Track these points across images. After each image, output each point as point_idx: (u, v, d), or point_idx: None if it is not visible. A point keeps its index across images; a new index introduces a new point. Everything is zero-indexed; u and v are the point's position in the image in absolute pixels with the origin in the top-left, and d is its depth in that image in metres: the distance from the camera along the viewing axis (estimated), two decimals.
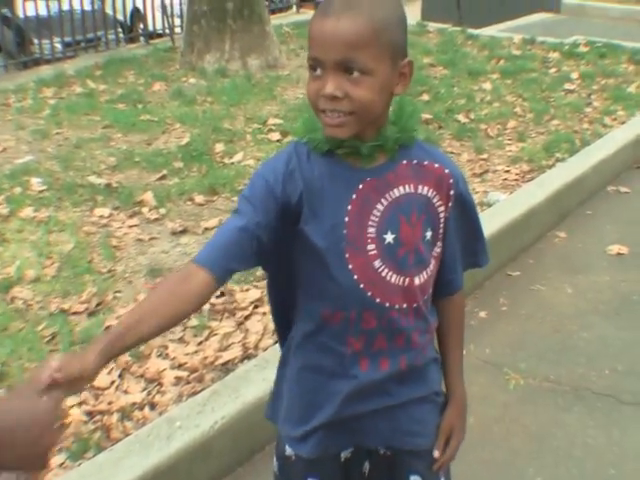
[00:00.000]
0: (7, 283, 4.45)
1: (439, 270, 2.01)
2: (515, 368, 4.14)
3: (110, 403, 3.49)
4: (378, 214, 1.86)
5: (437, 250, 1.98)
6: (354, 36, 1.68)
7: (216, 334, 3.98)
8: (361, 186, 1.85)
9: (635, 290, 4.95)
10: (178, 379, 3.66)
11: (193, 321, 4.07)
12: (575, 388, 4.01)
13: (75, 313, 4.19)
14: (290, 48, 10.49)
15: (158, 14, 11.65)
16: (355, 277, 1.87)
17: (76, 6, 10.91)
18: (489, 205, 5.46)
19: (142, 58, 10.10)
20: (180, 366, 3.75)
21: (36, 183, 5.85)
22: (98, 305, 4.26)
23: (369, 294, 1.89)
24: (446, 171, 1.93)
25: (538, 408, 3.87)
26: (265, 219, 1.79)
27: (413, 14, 13.51)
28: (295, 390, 2.08)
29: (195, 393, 3.53)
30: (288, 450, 2.12)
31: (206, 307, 4.18)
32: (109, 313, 4.18)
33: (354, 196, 1.85)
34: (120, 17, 12.07)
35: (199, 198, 5.64)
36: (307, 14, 13.50)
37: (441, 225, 1.95)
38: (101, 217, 5.34)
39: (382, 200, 1.86)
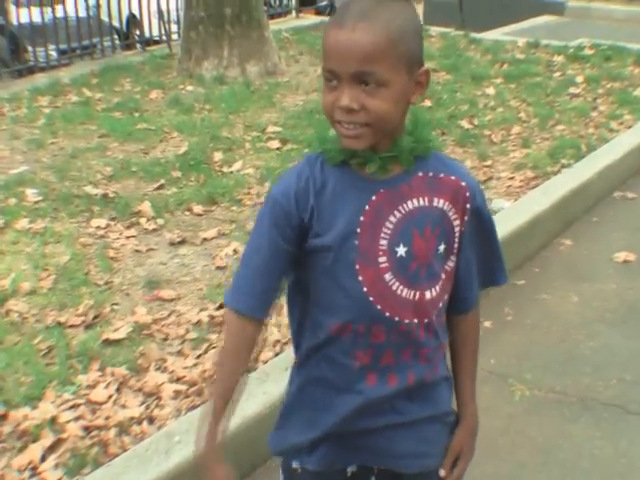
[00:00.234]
0: (2, 296, 4.40)
1: (454, 286, 1.99)
2: (520, 379, 4.09)
3: (108, 418, 3.45)
4: (391, 226, 1.84)
5: (450, 264, 1.94)
6: (370, 47, 1.68)
7: (215, 347, 3.93)
8: (374, 197, 1.84)
9: None
10: (177, 393, 3.62)
11: (192, 334, 4.04)
12: (582, 398, 3.96)
13: (72, 326, 4.15)
14: (289, 54, 10.44)
15: (155, 20, 11.61)
16: (365, 289, 1.85)
17: (71, 13, 10.83)
18: (493, 213, 5.40)
19: (138, 65, 10.06)
20: (179, 380, 3.71)
21: (31, 194, 5.81)
22: (95, 318, 4.22)
23: (378, 307, 1.86)
24: (463, 184, 1.91)
25: (544, 419, 3.82)
26: (284, 241, 1.85)
27: None
28: (301, 403, 2.06)
29: (194, 407, 3.50)
30: (294, 463, 2.09)
31: (205, 319, 4.15)
32: (106, 326, 4.14)
33: (367, 207, 1.84)
34: (116, 23, 12.03)
35: (197, 208, 5.61)
36: (307, 19, 13.51)
37: (456, 239, 1.92)
38: (98, 228, 5.30)
39: (395, 212, 1.84)
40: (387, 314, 1.87)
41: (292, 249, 1.86)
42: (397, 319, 1.88)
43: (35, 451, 3.23)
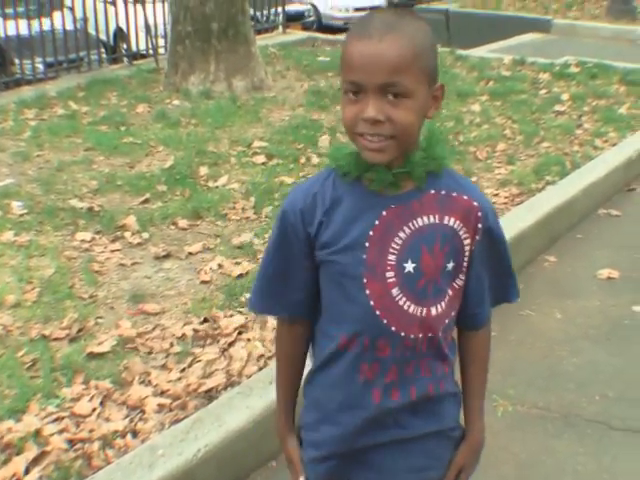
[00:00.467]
0: None
1: (464, 303, 2.00)
2: (504, 394, 4.09)
3: (91, 431, 3.44)
4: (400, 242, 1.86)
5: (459, 282, 1.95)
6: (398, 59, 1.70)
7: (199, 361, 3.93)
8: (385, 212, 1.86)
9: (626, 315, 4.91)
10: (161, 406, 3.61)
11: (176, 348, 4.03)
12: (565, 415, 3.96)
13: (56, 339, 4.14)
14: (276, 69, 10.46)
15: (142, 34, 11.60)
16: (371, 303, 1.87)
17: (58, 26, 10.81)
18: None
19: (125, 79, 10.05)
20: (163, 393, 3.70)
21: (16, 207, 5.79)
22: (79, 331, 4.20)
23: (385, 322, 1.88)
24: (475, 204, 1.91)
25: (527, 435, 3.83)
26: (293, 251, 1.94)
27: None
28: (310, 417, 2.09)
29: (178, 421, 3.49)
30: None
31: (189, 333, 4.15)
32: (90, 339, 4.12)
33: (377, 222, 1.86)
34: (103, 37, 11.98)
35: (183, 222, 5.60)
36: (293, 35, 13.53)
37: (465, 258, 1.93)
38: (83, 241, 5.28)
39: (405, 228, 1.86)
40: (393, 328, 1.88)
41: (302, 258, 1.93)
42: (403, 334, 1.89)
43: (19, 464, 3.22)
